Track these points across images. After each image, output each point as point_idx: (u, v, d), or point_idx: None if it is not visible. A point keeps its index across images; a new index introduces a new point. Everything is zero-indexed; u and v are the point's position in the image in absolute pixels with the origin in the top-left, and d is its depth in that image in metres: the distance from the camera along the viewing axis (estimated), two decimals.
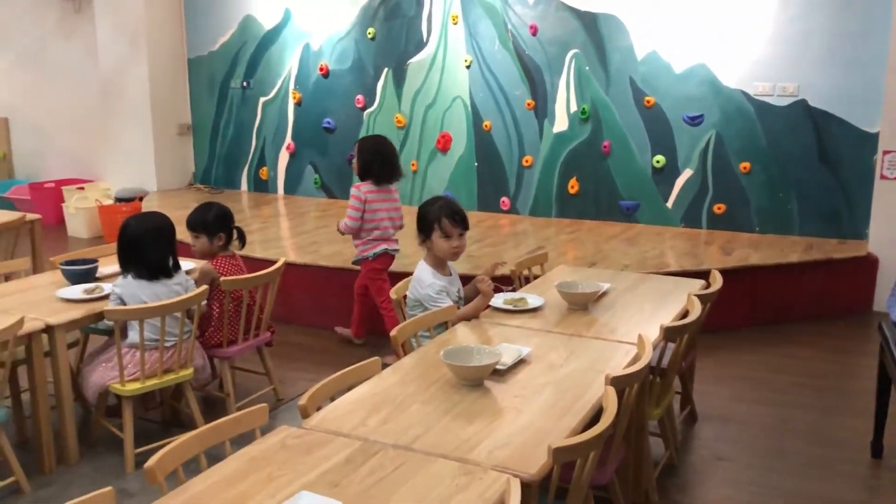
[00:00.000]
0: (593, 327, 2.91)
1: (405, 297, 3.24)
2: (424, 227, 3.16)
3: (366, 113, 6.91)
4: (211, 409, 3.65)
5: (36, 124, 8.53)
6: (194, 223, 3.69)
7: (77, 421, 3.33)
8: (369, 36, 6.77)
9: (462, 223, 3.15)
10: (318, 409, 2.23)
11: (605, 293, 3.28)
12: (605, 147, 6.00)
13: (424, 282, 3.12)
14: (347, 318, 4.80)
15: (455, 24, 6.40)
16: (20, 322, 2.90)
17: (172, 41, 7.64)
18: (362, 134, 6.91)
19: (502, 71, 6.28)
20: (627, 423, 2.46)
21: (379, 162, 4.35)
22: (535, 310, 3.06)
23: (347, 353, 4.45)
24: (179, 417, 3.67)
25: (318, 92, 7.12)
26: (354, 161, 4.43)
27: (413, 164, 6.75)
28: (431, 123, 6.64)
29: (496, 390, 2.34)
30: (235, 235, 3.78)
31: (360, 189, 4.36)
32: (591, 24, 5.94)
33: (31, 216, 5.09)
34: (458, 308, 3.09)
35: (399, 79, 6.71)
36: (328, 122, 7.09)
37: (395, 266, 4.78)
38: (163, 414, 3.69)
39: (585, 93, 6.03)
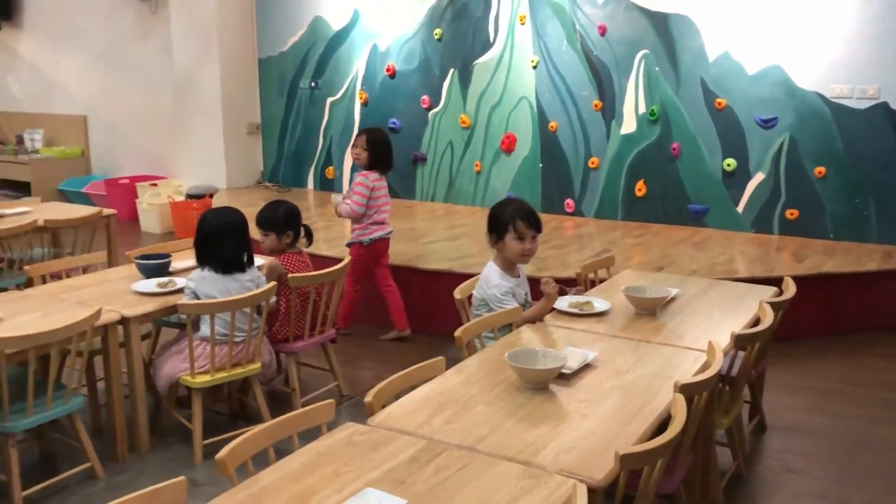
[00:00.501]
0: (661, 333, 2.86)
1: (470, 297, 3.23)
2: (497, 229, 3.14)
3: (431, 113, 6.94)
4: (276, 404, 3.71)
5: (112, 122, 8.82)
6: (263, 221, 3.76)
7: (148, 411, 3.42)
8: (436, 37, 6.80)
9: (536, 226, 3.13)
10: (383, 406, 2.25)
11: (673, 298, 3.22)
12: (673, 149, 5.90)
13: (491, 282, 3.12)
14: (411, 315, 4.82)
15: (522, 24, 6.38)
16: (97, 314, 3.00)
17: (244, 42, 7.81)
18: (427, 134, 6.95)
19: (569, 71, 6.23)
20: (695, 432, 2.41)
21: (385, 154, 4.64)
22: (601, 314, 3.02)
23: (409, 352, 4.47)
24: (246, 410, 3.74)
25: (384, 92, 7.18)
26: (359, 152, 4.65)
27: (477, 165, 6.75)
28: (496, 124, 6.63)
29: (561, 394, 2.32)
30: (303, 233, 3.85)
31: (368, 178, 4.58)
32: (661, 24, 5.84)
33: (107, 211, 5.27)
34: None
35: (465, 79, 6.72)
36: (394, 123, 7.14)
37: (460, 267, 4.80)
38: (230, 407, 3.77)
39: (654, 94, 5.93)
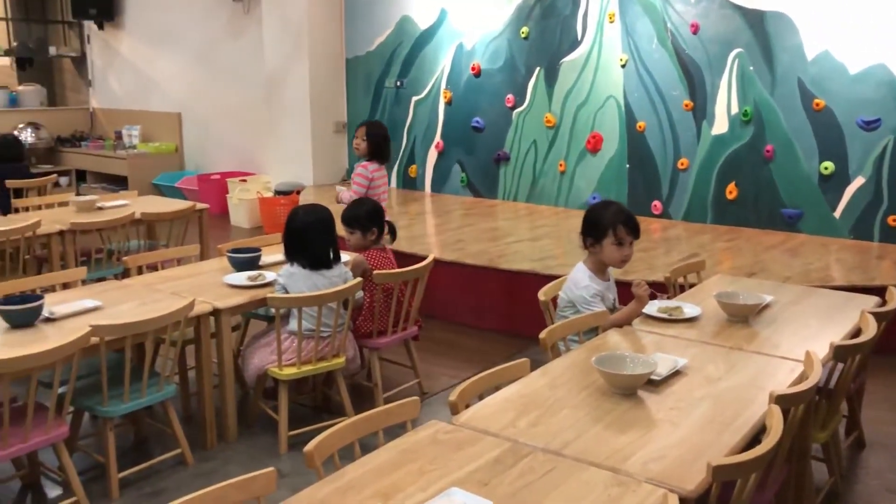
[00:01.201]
0: (754, 341, 2.75)
1: (555, 298, 3.19)
2: (595, 231, 3.08)
3: (515, 112, 6.90)
4: (358, 398, 3.75)
5: (205, 119, 9.11)
6: (349, 218, 3.82)
7: (236, 401, 3.51)
8: (522, 35, 6.75)
9: (635, 232, 3.07)
10: (467, 406, 2.24)
11: (766, 306, 3.10)
12: (767, 151, 5.69)
13: (580, 283, 3.07)
14: (492, 315, 4.81)
15: (612, 22, 6.27)
16: (191, 304, 3.10)
17: (332, 42, 7.94)
18: (511, 134, 6.92)
19: (659, 70, 6.09)
20: (790, 446, 2.31)
21: (384, 145, 4.86)
22: (691, 320, 2.93)
23: (489, 352, 4.46)
24: (329, 403, 3.80)
25: (468, 91, 7.18)
26: (359, 142, 4.86)
27: (561, 165, 6.67)
28: (582, 123, 6.54)
29: (650, 401, 2.26)
30: (387, 230, 3.89)
31: (368, 168, 4.77)
32: (757, 22, 5.64)
33: (199, 205, 5.43)
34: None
35: (551, 78, 6.65)
36: (477, 122, 7.13)
37: (542, 268, 4.76)
38: (314, 399, 3.83)
39: (748, 94, 5.73)
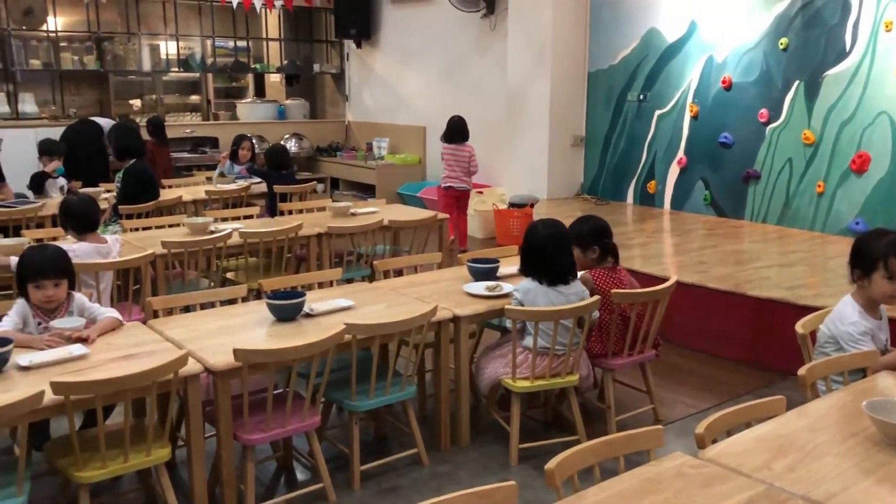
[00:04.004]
0: None
1: (813, 332, 2.92)
2: (864, 263, 2.80)
3: (769, 128, 6.46)
4: (589, 418, 3.69)
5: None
6: (571, 235, 3.71)
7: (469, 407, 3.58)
8: (781, 46, 6.31)
9: None
10: (713, 440, 2.11)
11: None
12: None
13: (847, 319, 2.78)
14: (734, 343, 4.53)
15: (888, 31, 5.66)
16: (434, 310, 3.21)
17: (576, 56, 7.93)
18: (763, 151, 6.49)
19: None
20: None
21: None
22: None
23: (729, 382, 4.18)
24: (560, 420, 3.77)
25: (717, 105, 6.84)
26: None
27: (819, 186, 6.13)
28: (846, 141, 5.97)
29: None
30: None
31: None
32: None
33: (441, 215, 5.65)
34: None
35: (812, 92, 6.15)
36: (725, 137, 6.77)
37: (795, 297, 4.40)
38: (545, 414, 3.82)
39: None
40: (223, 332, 3.05)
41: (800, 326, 2.91)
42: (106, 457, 2.55)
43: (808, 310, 3.04)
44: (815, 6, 6.09)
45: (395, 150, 10.07)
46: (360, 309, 3.36)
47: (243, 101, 10.82)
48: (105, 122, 7.68)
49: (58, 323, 2.89)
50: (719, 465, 1.96)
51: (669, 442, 2.46)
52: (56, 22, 9.25)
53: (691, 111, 7.03)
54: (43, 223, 5.36)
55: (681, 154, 7.18)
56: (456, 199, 7.36)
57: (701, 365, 4.58)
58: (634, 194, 7.67)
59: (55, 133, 7.38)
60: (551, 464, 1.86)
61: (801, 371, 2.46)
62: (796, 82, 6.24)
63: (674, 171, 7.27)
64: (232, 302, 3.57)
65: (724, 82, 6.74)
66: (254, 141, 7.77)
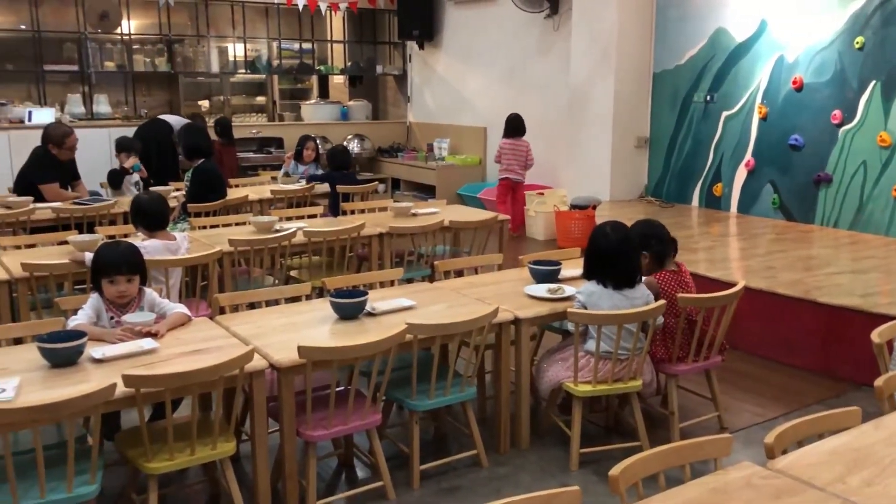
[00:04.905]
0: None
1: (890, 342, 2.81)
2: None
3: (842, 130, 6.25)
4: (651, 424, 3.62)
5: None
6: None
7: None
8: (857, 45, 6.10)
9: None
10: (783, 451, 2.04)
11: None
12: None
13: None
14: (803, 351, 4.39)
15: None
16: (495, 311, 3.20)
17: (641, 56, 7.81)
18: (835, 153, 6.28)
19: None
20: None
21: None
22: None
23: (798, 392, 4.06)
24: (621, 425, 3.71)
25: (787, 106, 6.65)
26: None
27: (895, 190, 5.91)
28: None
29: None
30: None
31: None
32: None
33: (501, 216, 5.62)
34: None
35: (889, 93, 5.92)
36: (795, 139, 6.58)
37: (868, 305, 4.24)
38: (606, 419, 3.77)
39: None
40: (287, 329, 3.10)
41: (876, 335, 2.80)
42: (173, 449, 2.61)
43: (883, 318, 2.93)
44: (893, 4, 5.87)
45: (455, 150, 10.08)
46: (421, 309, 3.37)
47: (308, 102, 10.98)
48: (175, 120, 7.88)
49: (129, 317, 2.97)
50: (790, 476, 1.90)
51: (735, 451, 2.40)
52: (129, 25, 9.55)
53: (760, 112, 6.85)
54: (115, 220, 5.53)
55: (748, 156, 7.01)
56: (511, 189, 8.03)
57: (768, 373, 4.46)
58: (700, 197, 7.51)
59: (127, 133, 7.61)
60: (616, 469, 1.83)
61: (878, 382, 2.37)
62: (872, 82, 6.02)
63: (741, 174, 7.10)
64: (296, 299, 3.62)
65: (794, 83, 6.55)
66: (317, 142, 7.88)
